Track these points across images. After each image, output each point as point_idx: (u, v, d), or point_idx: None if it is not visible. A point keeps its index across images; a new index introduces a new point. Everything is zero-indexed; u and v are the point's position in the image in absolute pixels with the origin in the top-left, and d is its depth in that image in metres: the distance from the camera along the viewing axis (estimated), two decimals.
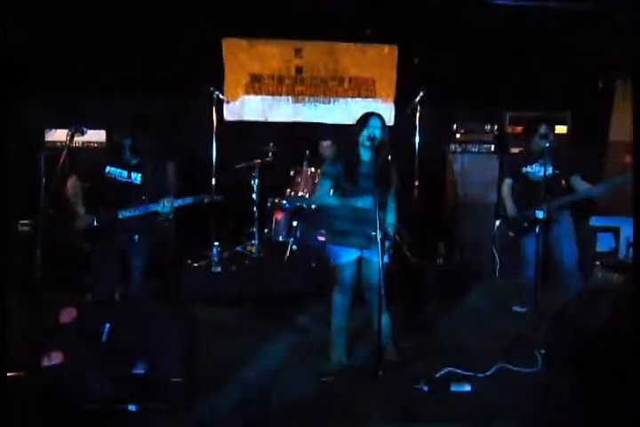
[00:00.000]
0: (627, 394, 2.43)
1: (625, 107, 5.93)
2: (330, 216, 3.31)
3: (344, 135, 3.40)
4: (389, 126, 5.79)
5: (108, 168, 3.43)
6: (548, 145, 3.76)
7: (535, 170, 4.04)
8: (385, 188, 3.19)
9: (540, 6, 5.39)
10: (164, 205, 3.35)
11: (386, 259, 3.24)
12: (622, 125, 5.99)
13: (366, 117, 3.21)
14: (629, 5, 4.12)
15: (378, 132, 3.14)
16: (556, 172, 3.92)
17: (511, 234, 4.16)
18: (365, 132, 3.14)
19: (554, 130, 4.16)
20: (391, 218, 3.31)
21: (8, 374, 2.57)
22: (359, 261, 3.27)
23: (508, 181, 4.21)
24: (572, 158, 4.16)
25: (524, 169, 4.09)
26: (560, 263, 4.02)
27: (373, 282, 3.13)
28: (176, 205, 3.40)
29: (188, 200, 3.44)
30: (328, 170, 3.29)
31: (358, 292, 3.33)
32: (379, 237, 2.90)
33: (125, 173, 3.45)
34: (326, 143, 5.38)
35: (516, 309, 4.32)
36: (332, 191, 3.26)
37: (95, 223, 3.39)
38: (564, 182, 4.02)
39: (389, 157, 3.26)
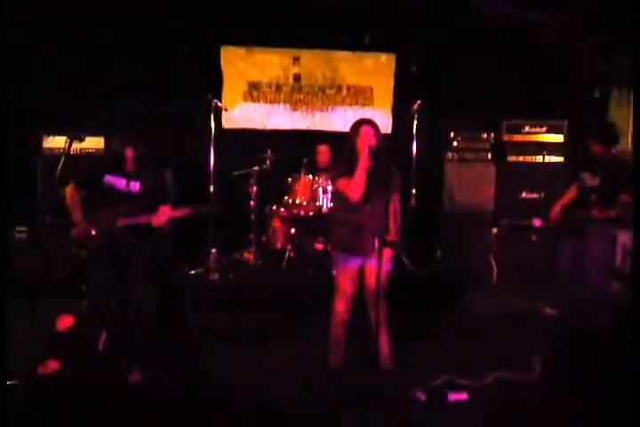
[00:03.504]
0: (625, 403, 2.42)
1: (620, 115, 5.96)
2: (332, 224, 3.30)
3: (341, 144, 3.39)
4: (387, 135, 5.92)
5: (106, 176, 3.42)
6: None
7: (586, 178, 4.04)
8: (387, 194, 3.18)
9: (536, 16, 5.45)
10: (162, 216, 3.33)
11: (389, 267, 3.24)
12: None
13: (359, 126, 3.18)
14: (630, 6, 4.13)
15: (373, 140, 3.10)
16: (604, 182, 3.91)
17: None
18: (361, 142, 3.10)
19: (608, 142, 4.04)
20: (396, 224, 3.26)
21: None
22: (361, 269, 3.26)
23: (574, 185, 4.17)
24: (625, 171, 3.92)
25: (580, 175, 4.08)
26: (585, 273, 4.00)
27: (374, 290, 3.11)
28: (174, 215, 3.38)
29: (187, 211, 3.40)
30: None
31: (360, 300, 3.31)
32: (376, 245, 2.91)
33: (124, 182, 3.44)
34: (323, 148, 5.38)
35: (547, 311, 4.19)
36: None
37: (93, 231, 3.38)
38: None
39: (389, 163, 3.23)
